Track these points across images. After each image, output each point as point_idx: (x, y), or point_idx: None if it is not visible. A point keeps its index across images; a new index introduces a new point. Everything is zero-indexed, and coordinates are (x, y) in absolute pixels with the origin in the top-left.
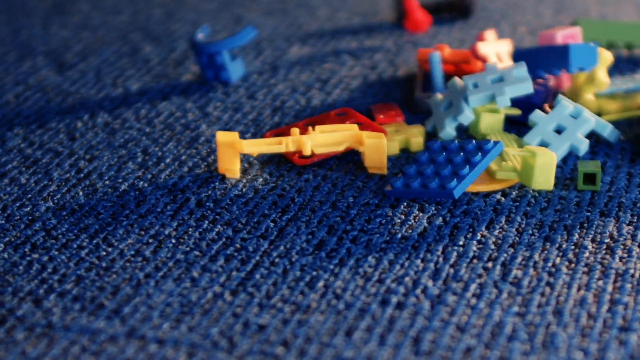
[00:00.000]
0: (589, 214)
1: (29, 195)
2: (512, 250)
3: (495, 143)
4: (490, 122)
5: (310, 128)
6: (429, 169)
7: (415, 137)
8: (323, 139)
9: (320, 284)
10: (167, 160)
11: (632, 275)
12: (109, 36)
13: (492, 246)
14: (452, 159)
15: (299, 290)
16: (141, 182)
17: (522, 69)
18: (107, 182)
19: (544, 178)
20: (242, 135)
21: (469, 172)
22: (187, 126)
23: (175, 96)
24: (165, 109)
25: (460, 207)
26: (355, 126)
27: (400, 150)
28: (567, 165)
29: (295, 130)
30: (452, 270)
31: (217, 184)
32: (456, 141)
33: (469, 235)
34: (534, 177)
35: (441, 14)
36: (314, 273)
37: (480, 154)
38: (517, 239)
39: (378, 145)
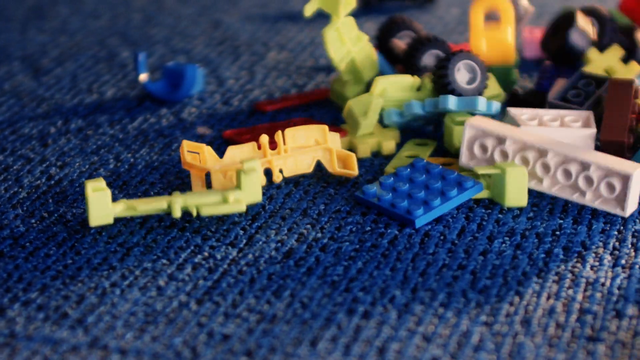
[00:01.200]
0: (561, 221)
1: None
2: (482, 258)
3: (476, 182)
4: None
5: (280, 139)
6: (405, 187)
7: (388, 140)
8: (291, 163)
9: (287, 293)
10: (139, 167)
11: (603, 284)
12: (87, 41)
13: (463, 254)
14: (429, 185)
15: (265, 300)
16: (111, 189)
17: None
18: (77, 189)
19: (517, 194)
20: (215, 142)
21: (439, 205)
22: (160, 132)
23: (150, 102)
24: (140, 114)
25: None
26: (324, 130)
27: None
28: None
29: (264, 140)
30: (421, 279)
31: (186, 190)
32: (441, 167)
33: (439, 244)
34: (506, 194)
35: (404, 1)
36: (282, 282)
37: (457, 189)
38: (488, 247)
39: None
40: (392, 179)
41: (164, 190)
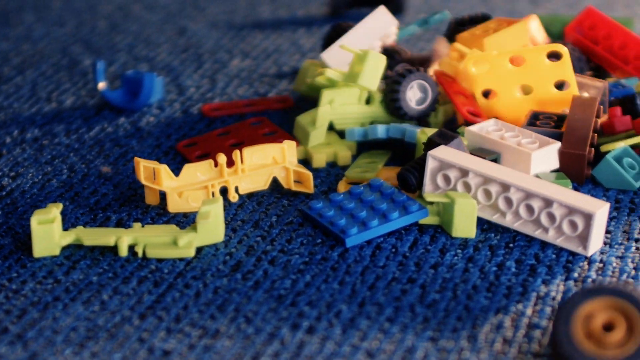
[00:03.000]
0: (515, 233)
1: None
2: (433, 271)
3: (421, 207)
4: None
5: (237, 158)
6: (349, 206)
7: (344, 151)
8: (248, 181)
9: (232, 307)
10: (92, 178)
11: (553, 298)
12: (50, 48)
13: (414, 267)
14: (374, 206)
15: (209, 314)
16: (63, 201)
17: None
18: (28, 201)
19: (465, 225)
20: (169, 154)
21: (376, 226)
22: (117, 142)
23: (108, 111)
24: (97, 124)
25: None
26: (282, 149)
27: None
28: None
29: (221, 160)
30: (369, 293)
31: (139, 202)
32: (394, 188)
33: (390, 256)
34: (453, 224)
35: (372, 6)
36: (227, 296)
37: (398, 212)
38: (440, 259)
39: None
40: (341, 196)
41: (115, 202)
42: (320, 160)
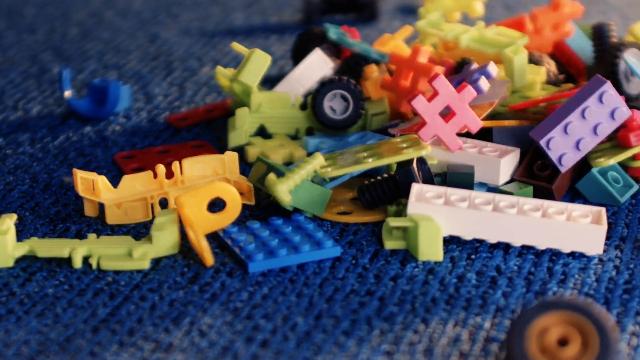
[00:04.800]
0: (478, 244)
1: None
2: (392, 283)
3: (334, 245)
4: None
5: (177, 169)
6: (263, 234)
7: (299, 150)
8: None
9: (187, 320)
10: (54, 188)
11: (513, 311)
12: (20, 56)
13: (373, 279)
14: (287, 237)
15: (163, 328)
16: (23, 211)
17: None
18: None
19: (430, 249)
20: (128, 165)
21: (283, 255)
22: (81, 151)
23: (74, 119)
24: (63, 133)
25: (346, 238)
26: (222, 160)
27: None
28: None
29: (160, 170)
30: (326, 306)
31: (100, 213)
32: (313, 223)
33: (350, 268)
34: (419, 248)
35: (347, 13)
36: (183, 308)
37: (309, 245)
38: (400, 271)
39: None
40: (258, 224)
41: (76, 213)
42: (277, 160)
